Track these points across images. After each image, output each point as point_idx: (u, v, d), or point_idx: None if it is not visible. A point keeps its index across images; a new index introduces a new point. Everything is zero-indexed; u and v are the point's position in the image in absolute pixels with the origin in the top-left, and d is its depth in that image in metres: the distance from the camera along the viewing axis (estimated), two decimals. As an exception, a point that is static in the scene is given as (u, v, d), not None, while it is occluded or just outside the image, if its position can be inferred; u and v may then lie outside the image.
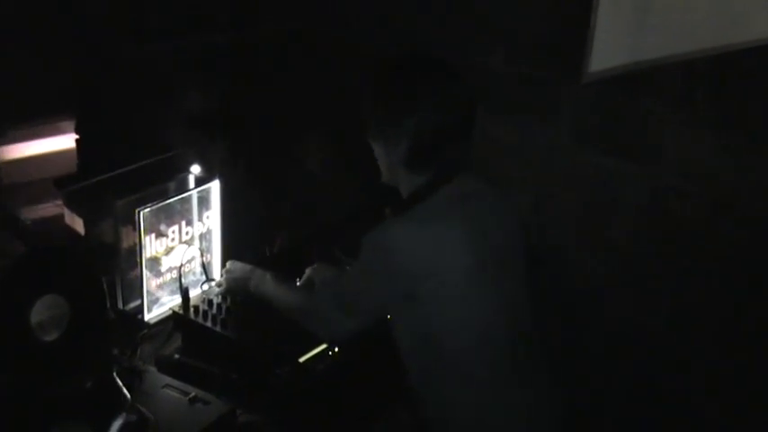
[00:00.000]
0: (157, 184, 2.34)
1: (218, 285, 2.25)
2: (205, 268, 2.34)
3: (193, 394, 1.90)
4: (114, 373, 1.89)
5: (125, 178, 2.33)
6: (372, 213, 2.01)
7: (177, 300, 2.23)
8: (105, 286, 1.97)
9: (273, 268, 2.17)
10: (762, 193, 2.34)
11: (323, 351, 2.07)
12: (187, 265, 2.30)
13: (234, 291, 2.20)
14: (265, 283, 2.12)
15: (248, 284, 2.15)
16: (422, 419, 1.96)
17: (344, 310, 1.89)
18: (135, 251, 2.18)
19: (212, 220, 2.36)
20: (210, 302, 2.18)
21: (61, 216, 2.40)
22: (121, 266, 2.23)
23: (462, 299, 1.80)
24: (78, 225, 2.39)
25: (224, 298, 2.21)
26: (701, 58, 2.14)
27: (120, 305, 2.23)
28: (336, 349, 2.09)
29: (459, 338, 1.82)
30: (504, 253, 1.89)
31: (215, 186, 2.33)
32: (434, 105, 1.77)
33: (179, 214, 2.26)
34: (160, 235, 2.22)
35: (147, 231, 2.17)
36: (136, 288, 2.23)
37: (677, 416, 2.60)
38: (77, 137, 2.95)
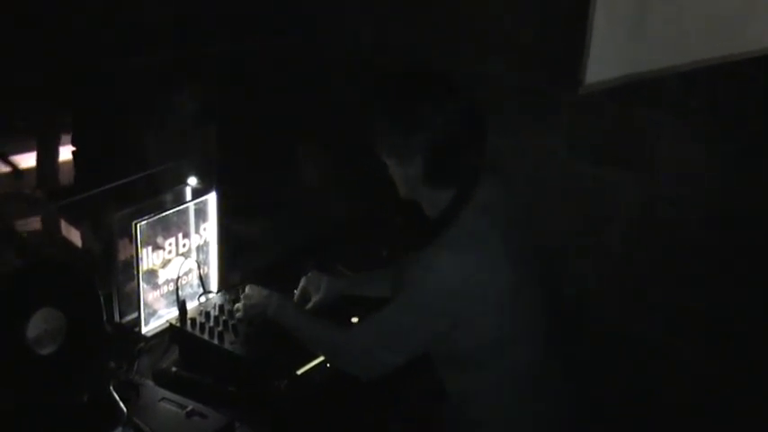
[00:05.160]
0: (154, 197, 2.34)
1: (237, 311, 2.18)
2: (202, 280, 2.33)
3: (191, 407, 1.89)
4: (111, 387, 1.88)
5: (122, 191, 2.33)
6: (372, 223, 2.00)
7: (174, 312, 2.22)
8: (102, 299, 1.97)
9: (278, 286, 2.14)
10: (757, 201, 2.35)
11: (321, 363, 2.07)
12: (184, 277, 2.29)
13: (251, 317, 2.14)
14: (286, 310, 2.07)
15: (266, 311, 2.09)
16: (450, 424, 1.99)
17: (390, 347, 1.85)
18: (132, 264, 2.17)
19: (209, 232, 2.36)
20: (208, 315, 2.18)
21: (58, 228, 2.40)
22: (118, 279, 2.22)
23: (502, 313, 1.82)
24: (75, 237, 2.40)
25: (221, 310, 2.20)
26: (696, 69, 2.15)
27: (117, 318, 2.23)
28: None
29: (497, 348, 1.84)
30: (527, 259, 1.90)
31: (212, 198, 2.33)
32: (437, 119, 1.75)
33: (176, 226, 2.26)
34: (157, 247, 2.21)
35: (144, 244, 2.16)
36: (133, 301, 2.22)
37: (675, 420, 2.60)
38: (74, 149, 2.96)
